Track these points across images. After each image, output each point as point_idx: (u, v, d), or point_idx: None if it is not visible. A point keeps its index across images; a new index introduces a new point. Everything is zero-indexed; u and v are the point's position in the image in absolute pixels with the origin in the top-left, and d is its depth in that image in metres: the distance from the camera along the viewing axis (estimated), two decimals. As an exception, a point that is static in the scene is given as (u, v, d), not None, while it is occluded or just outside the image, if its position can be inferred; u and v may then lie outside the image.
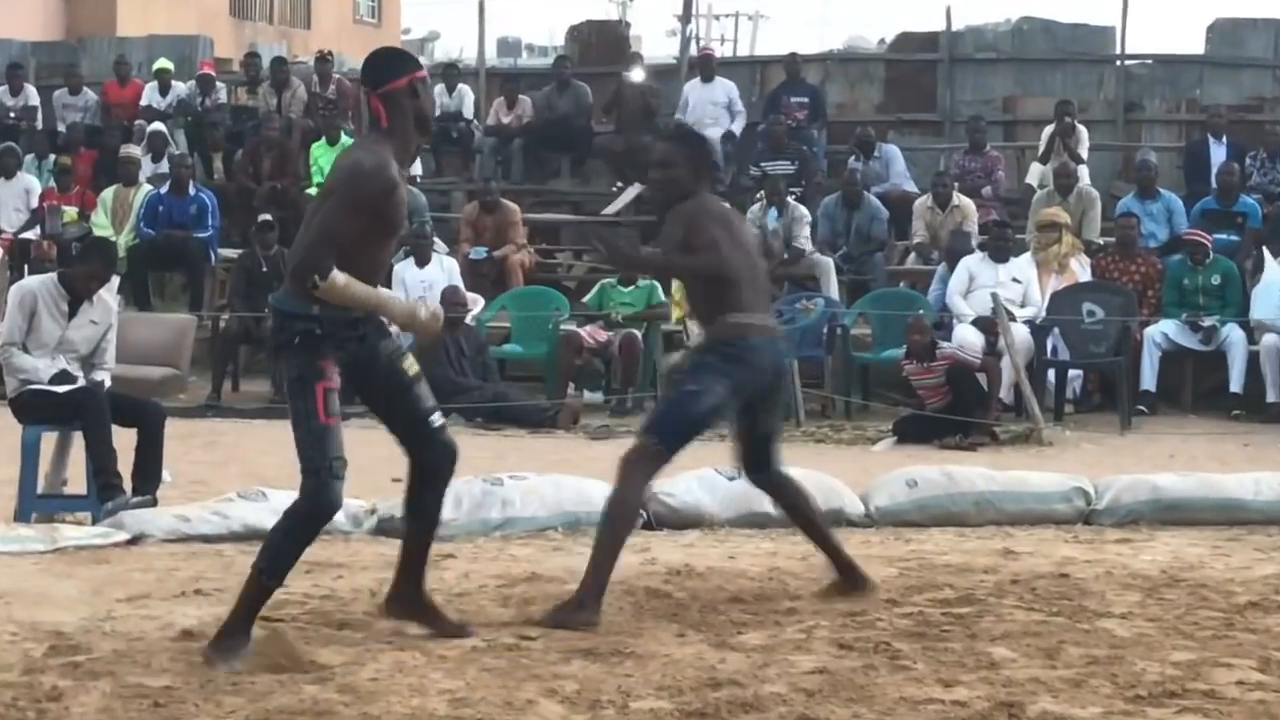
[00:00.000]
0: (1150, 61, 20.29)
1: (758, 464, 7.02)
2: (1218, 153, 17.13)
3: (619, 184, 19.09)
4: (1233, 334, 14.49)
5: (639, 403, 14.73)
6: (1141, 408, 14.42)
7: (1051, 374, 14.62)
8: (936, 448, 12.66)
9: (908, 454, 12.22)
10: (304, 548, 6.10)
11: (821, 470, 9.80)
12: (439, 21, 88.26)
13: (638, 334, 14.82)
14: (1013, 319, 14.22)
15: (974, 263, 15.08)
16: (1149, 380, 14.63)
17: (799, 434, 13.46)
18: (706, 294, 6.78)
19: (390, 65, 6.19)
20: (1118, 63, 19.87)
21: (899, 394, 14.29)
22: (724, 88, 19.43)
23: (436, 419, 6.31)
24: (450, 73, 20.40)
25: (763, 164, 17.80)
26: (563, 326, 15.01)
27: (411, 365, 6.27)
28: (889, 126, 19.64)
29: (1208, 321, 14.50)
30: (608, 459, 11.68)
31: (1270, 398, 14.31)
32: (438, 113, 19.82)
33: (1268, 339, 14.29)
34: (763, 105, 19.46)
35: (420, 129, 6.17)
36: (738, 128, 19.19)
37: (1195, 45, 20.25)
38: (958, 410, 13.19)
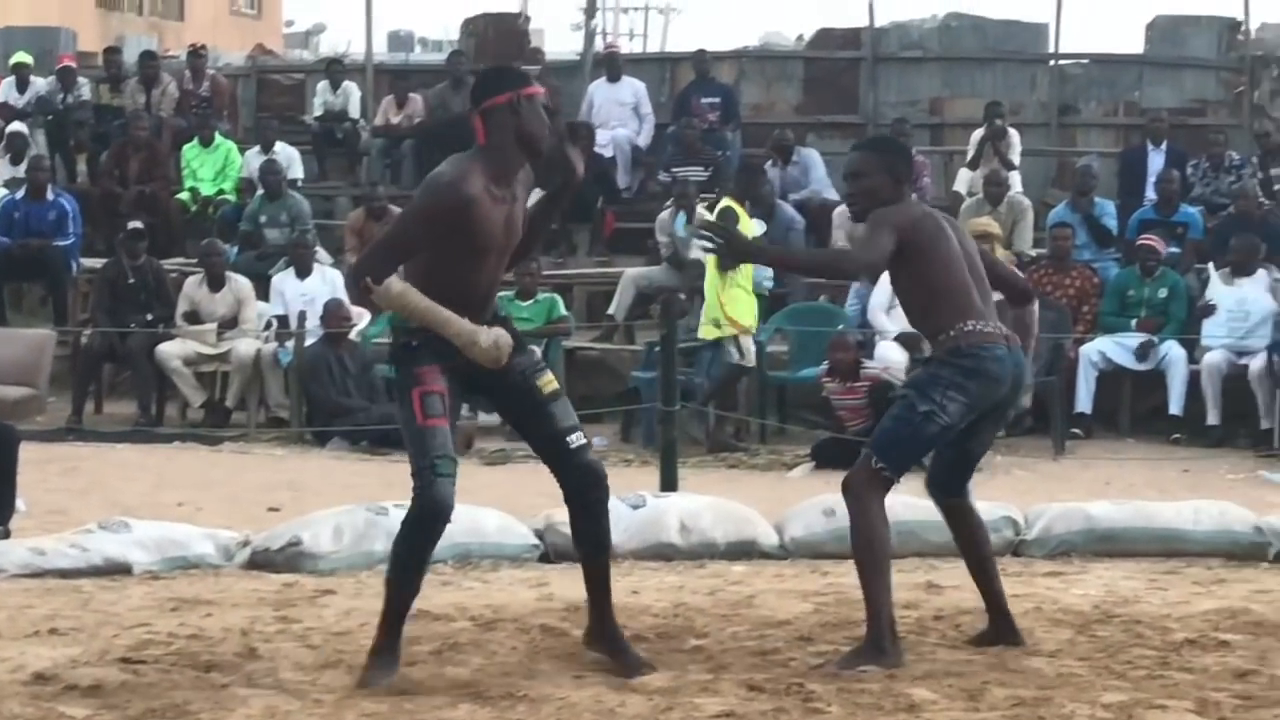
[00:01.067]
0: (1086, 61, 20.47)
1: (950, 484, 6.90)
2: (1156, 160, 17.30)
3: (518, 189, 19.07)
4: (1172, 352, 14.61)
5: (538, 425, 14.69)
6: (1076, 431, 14.53)
7: (980, 395, 14.67)
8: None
9: (827, 480, 12.21)
10: (426, 552, 6.29)
11: (734, 498, 9.83)
12: (326, 13, 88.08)
13: (537, 350, 14.78)
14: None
15: (899, 275, 15.14)
16: (1084, 402, 14.74)
17: (711, 459, 13.50)
18: (928, 306, 6.66)
19: (492, 82, 6.44)
20: (1051, 62, 20.05)
21: (818, 416, 14.33)
22: (632, 88, 19.50)
23: (574, 439, 6.42)
24: (335, 69, 20.37)
25: (673, 169, 17.87)
26: (455, 343, 14.95)
27: (549, 383, 6.46)
28: (808, 129, 19.74)
29: (1145, 337, 14.61)
30: (504, 485, 11.75)
31: (1211, 420, 14.46)
32: (320, 111, 19.80)
33: (1209, 358, 14.41)
34: (672, 106, 19.51)
35: (524, 147, 6.33)
36: (646, 130, 19.29)
37: (1134, 44, 20.50)
38: (879, 434, 13.23)
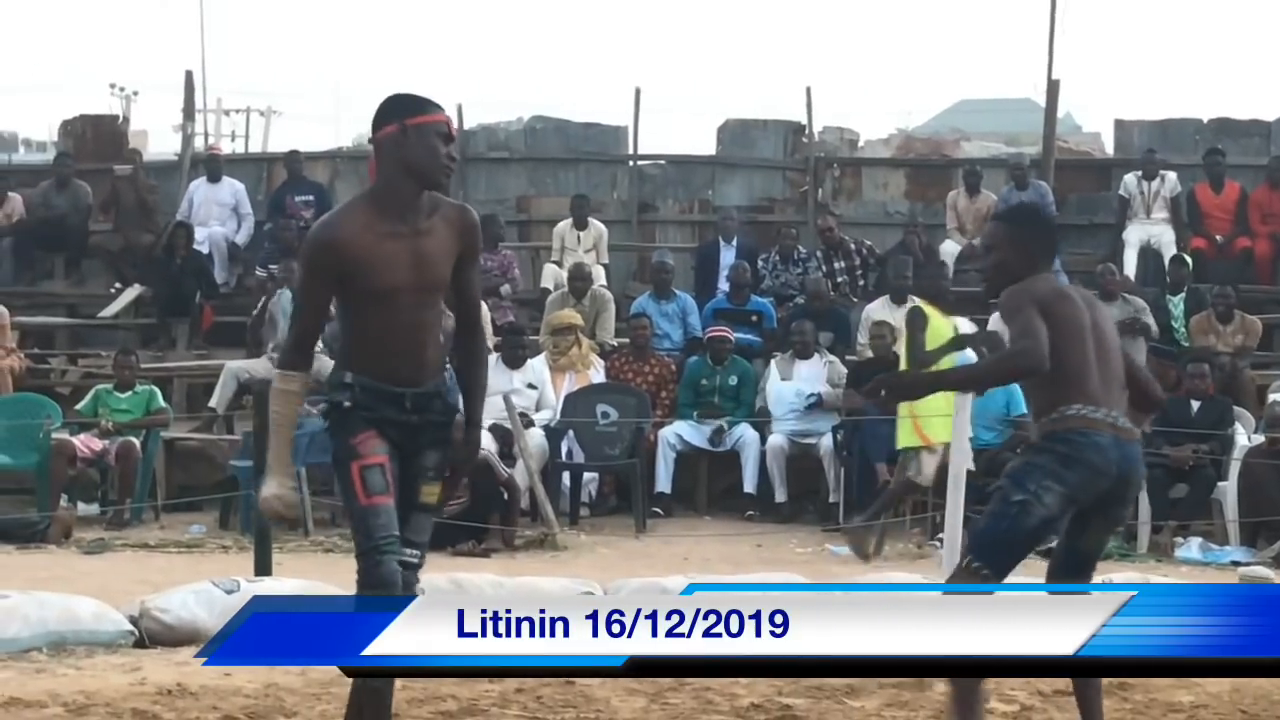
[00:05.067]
0: (663, 162, 20.86)
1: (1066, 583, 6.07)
2: (728, 255, 17.70)
3: (118, 284, 18.81)
4: (745, 434, 14.96)
5: (137, 514, 14.46)
6: (657, 509, 14.77)
7: (566, 477, 14.85)
8: (449, 554, 12.71)
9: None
10: None
11: (330, 581, 9.76)
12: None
13: (136, 442, 14.57)
14: (530, 424, 14.38)
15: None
16: (664, 482, 15.01)
17: (308, 543, 13.39)
18: (1039, 383, 6.04)
19: (383, 111, 5.94)
20: (631, 163, 20.39)
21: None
22: (232, 189, 19.38)
23: (408, 554, 5.89)
24: (-67, 169, 19.80)
25: (269, 266, 17.73)
26: (54, 435, 14.65)
27: (429, 494, 5.98)
28: (402, 226, 19.67)
29: (718, 422, 14.94)
30: (101, 574, 11.49)
31: (779, 498, 14.84)
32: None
33: (772, 441, 14.81)
34: (267, 205, 19.43)
35: (414, 177, 5.83)
36: (245, 228, 19.19)
37: (707, 146, 20.89)
38: (473, 515, 13.28)
